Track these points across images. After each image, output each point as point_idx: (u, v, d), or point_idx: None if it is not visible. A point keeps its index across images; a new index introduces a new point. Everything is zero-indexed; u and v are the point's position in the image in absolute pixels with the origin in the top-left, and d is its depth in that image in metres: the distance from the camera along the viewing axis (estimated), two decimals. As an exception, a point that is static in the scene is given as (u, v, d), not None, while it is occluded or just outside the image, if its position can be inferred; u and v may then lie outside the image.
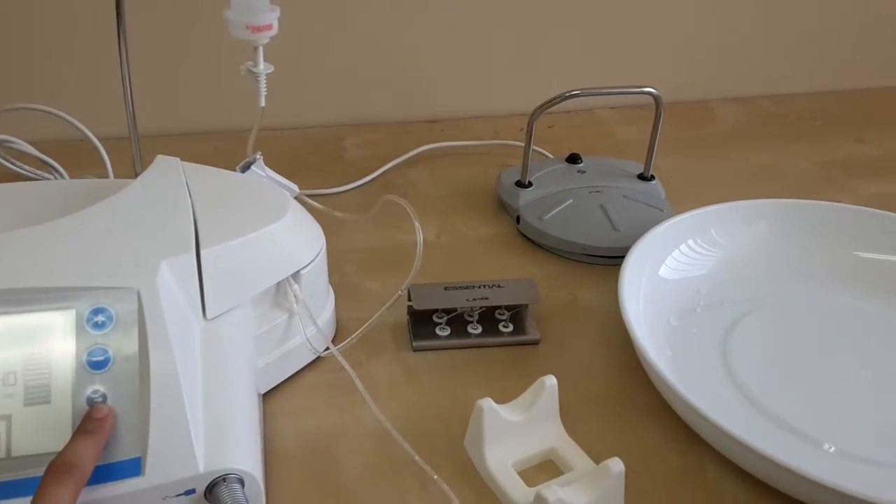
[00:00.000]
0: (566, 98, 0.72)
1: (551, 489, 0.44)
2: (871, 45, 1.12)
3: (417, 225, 0.56)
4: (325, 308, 0.59)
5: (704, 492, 0.51)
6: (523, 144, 0.77)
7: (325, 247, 0.57)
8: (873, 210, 0.71)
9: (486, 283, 0.62)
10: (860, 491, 0.45)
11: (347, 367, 0.52)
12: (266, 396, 0.55)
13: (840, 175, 0.91)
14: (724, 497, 0.50)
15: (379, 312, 0.56)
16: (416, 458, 0.48)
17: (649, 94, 0.74)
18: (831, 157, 0.95)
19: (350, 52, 0.95)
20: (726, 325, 0.64)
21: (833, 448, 0.54)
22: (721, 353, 0.61)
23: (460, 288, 0.62)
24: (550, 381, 0.52)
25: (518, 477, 0.49)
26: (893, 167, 0.93)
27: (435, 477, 0.47)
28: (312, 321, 0.55)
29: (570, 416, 0.55)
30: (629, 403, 0.57)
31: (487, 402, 0.49)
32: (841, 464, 0.53)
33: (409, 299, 0.61)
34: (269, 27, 0.63)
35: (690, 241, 0.69)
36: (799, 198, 0.72)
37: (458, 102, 1.01)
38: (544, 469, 0.51)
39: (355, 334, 0.58)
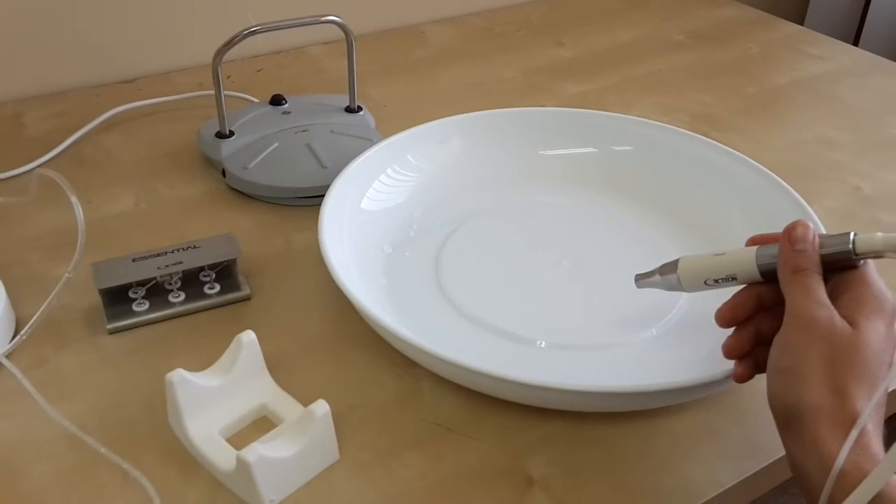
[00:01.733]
0: (245, 35, 0.68)
1: (251, 448, 0.42)
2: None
3: (74, 199, 0.51)
4: (-12, 308, 0.52)
5: (422, 412, 0.51)
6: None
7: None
8: (551, 109, 0.74)
9: (181, 247, 0.58)
10: (568, 383, 0.47)
11: (13, 368, 0.46)
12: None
13: (543, 80, 0.94)
14: (442, 413, 0.51)
15: (46, 303, 0.50)
16: (103, 449, 0.44)
17: (333, 22, 0.71)
18: (535, 65, 0.98)
19: (20, 14, 0.84)
20: (437, 245, 0.64)
21: (546, 343, 0.56)
22: (434, 273, 0.62)
23: (151, 256, 0.57)
24: (248, 336, 0.49)
25: (225, 443, 0.46)
26: (590, 66, 0.97)
27: (124, 466, 0.43)
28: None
29: (286, 366, 0.53)
30: (345, 340, 0.56)
31: (177, 374, 0.46)
32: (553, 356, 0.55)
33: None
34: None
35: (389, 170, 0.68)
36: (506, 107, 0.74)
37: (155, 57, 0.93)
38: (258, 428, 0.49)
39: (19, 336, 0.51)
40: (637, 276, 0.53)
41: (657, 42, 1.05)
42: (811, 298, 0.41)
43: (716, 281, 0.48)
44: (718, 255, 0.48)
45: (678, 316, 0.58)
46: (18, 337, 0.52)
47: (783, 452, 0.41)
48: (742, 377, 0.46)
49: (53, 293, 0.51)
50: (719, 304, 0.47)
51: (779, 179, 0.63)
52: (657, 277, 0.51)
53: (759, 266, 0.45)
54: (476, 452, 0.49)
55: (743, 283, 0.47)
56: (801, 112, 0.89)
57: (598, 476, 0.47)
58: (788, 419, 0.39)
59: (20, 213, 0.67)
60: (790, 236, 0.44)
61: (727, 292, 0.48)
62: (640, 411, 0.51)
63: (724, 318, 0.46)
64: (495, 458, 0.48)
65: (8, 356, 0.51)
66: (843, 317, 0.40)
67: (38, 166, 0.74)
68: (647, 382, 0.47)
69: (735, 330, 0.47)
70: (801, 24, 1.19)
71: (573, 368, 0.54)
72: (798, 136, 0.84)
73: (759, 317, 0.46)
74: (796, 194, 0.61)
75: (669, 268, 0.50)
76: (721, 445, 0.49)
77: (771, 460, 0.48)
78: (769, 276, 0.45)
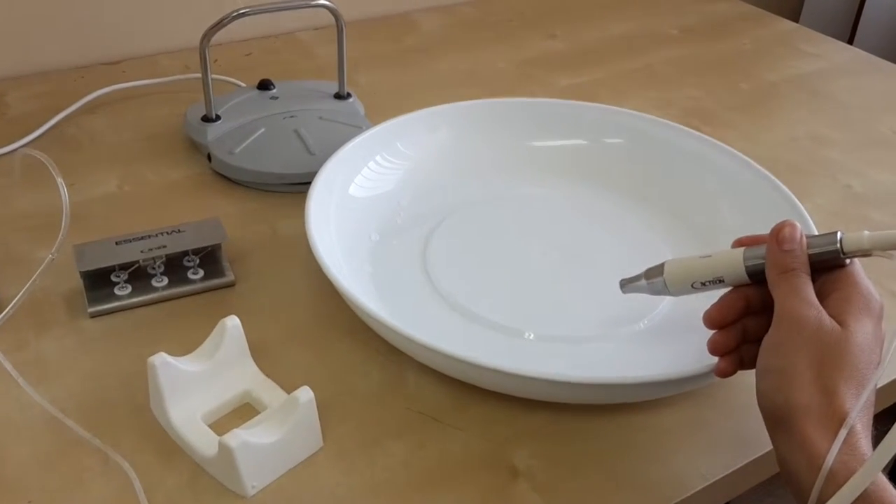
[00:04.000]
0: (234, 17, 0.67)
1: (234, 434, 0.42)
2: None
3: (59, 180, 0.49)
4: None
5: (406, 401, 0.50)
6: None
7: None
8: (542, 100, 0.74)
9: (165, 230, 0.57)
10: (554, 374, 0.46)
11: (-9, 350, 0.45)
12: None
13: (535, 72, 0.93)
14: (427, 402, 0.50)
15: (28, 285, 0.49)
16: (82, 432, 0.43)
17: (324, 6, 0.70)
18: (527, 56, 0.97)
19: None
20: (425, 234, 0.64)
21: (533, 335, 0.56)
22: (421, 262, 0.61)
23: (135, 240, 0.56)
24: (231, 321, 0.48)
25: (207, 429, 0.46)
26: (582, 59, 0.97)
27: (105, 449, 0.43)
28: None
29: (270, 353, 0.52)
30: (330, 328, 0.55)
31: (160, 357, 0.45)
32: (541, 348, 0.55)
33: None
34: None
35: (378, 157, 0.67)
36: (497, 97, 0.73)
37: (141, 39, 0.92)
38: (240, 414, 0.48)
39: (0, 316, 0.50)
40: (622, 281, 0.52)
41: (650, 36, 1.04)
42: (800, 298, 0.41)
43: (703, 284, 0.47)
44: (705, 257, 0.47)
45: (667, 309, 0.57)
46: (-2, 318, 0.51)
47: (770, 447, 0.41)
48: (725, 372, 0.45)
49: (35, 275, 0.50)
50: (708, 298, 0.47)
51: (771, 176, 0.63)
52: (643, 282, 0.51)
53: (746, 267, 0.45)
54: (460, 442, 0.48)
55: (730, 285, 0.46)
56: (793, 109, 0.89)
57: (582, 468, 0.47)
58: (778, 419, 0.39)
59: (2, 194, 0.66)
60: (778, 236, 0.43)
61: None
62: (627, 405, 0.51)
63: (712, 319, 0.46)
64: (480, 449, 0.48)
65: (-14, 338, 0.50)
66: (832, 316, 0.40)
67: (21, 147, 0.73)
68: (629, 375, 0.47)
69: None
70: (797, 21, 1.19)
71: (561, 360, 0.54)
72: (790, 132, 0.84)
73: (746, 317, 0.46)
74: (788, 191, 0.61)
75: (655, 272, 0.50)
76: (708, 439, 0.49)
77: (758, 454, 0.48)
78: (757, 278, 0.45)
